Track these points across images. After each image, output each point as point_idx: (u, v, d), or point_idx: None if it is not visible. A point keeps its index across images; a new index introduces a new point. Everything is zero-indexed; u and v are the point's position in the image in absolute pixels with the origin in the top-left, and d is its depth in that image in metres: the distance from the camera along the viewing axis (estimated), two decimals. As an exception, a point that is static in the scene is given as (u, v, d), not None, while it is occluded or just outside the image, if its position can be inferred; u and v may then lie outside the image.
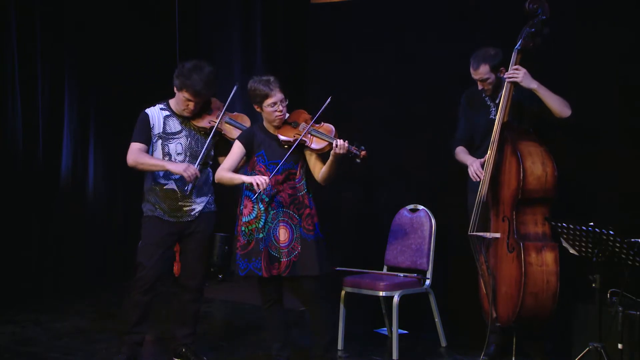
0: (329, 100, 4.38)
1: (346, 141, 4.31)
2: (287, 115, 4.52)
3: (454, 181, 5.19)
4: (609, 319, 4.19)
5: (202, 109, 4.73)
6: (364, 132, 6.02)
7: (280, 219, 4.44)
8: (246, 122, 4.80)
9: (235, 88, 4.81)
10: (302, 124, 4.49)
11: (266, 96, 4.43)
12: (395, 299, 5.06)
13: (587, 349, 4.17)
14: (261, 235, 4.44)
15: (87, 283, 7.13)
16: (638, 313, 4.26)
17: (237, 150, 4.52)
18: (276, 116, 4.45)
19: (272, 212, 4.45)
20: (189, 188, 4.66)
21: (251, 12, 7.94)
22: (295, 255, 4.40)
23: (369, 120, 6.04)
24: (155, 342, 5.45)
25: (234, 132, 4.73)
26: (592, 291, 4.12)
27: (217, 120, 4.69)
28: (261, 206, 4.46)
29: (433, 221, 5.35)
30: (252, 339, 5.60)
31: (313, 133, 4.45)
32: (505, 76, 4.63)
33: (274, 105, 4.43)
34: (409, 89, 5.82)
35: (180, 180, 4.68)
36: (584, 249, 4.11)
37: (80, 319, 6.10)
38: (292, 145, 4.41)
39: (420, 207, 5.45)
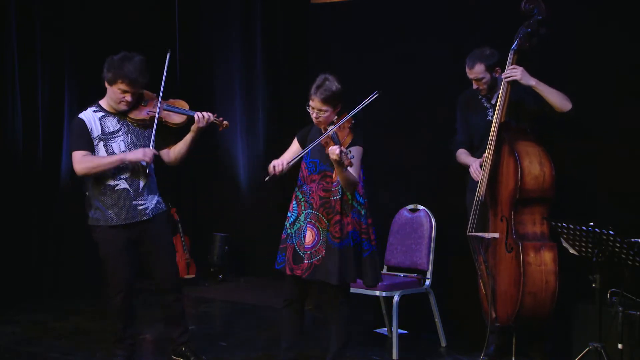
0: (375, 94, 4.30)
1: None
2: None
3: (454, 181, 5.19)
4: (609, 319, 4.19)
5: (137, 102, 4.64)
6: (364, 131, 6.01)
7: (309, 220, 4.39)
8: (184, 105, 4.73)
9: (166, 64, 4.69)
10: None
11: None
12: (395, 299, 5.06)
13: (587, 349, 4.17)
14: (289, 231, 4.47)
15: (87, 283, 7.12)
16: (638, 313, 4.26)
17: (293, 145, 4.54)
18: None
19: (304, 212, 4.42)
20: (145, 166, 4.57)
21: (251, 12, 7.94)
22: (318, 259, 4.33)
23: (369, 120, 6.03)
24: (155, 342, 5.46)
25: (175, 118, 4.68)
26: (592, 291, 4.12)
27: (157, 109, 4.60)
28: (294, 203, 4.47)
29: (433, 221, 5.35)
30: (252, 339, 5.60)
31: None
32: (503, 76, 4.64)
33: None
34: (409, 89, 5.82)
35: (131, 178, 4.60)
36: (584, 249, 4.11)
37: (80, 319, 6.10)
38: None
39: (420, 207, 5.45)
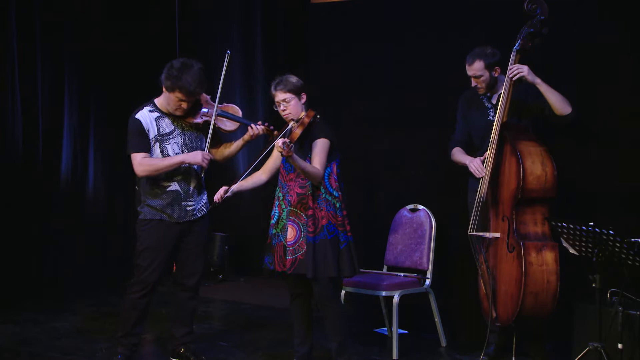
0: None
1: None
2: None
3: (454, 181, 5.19)
4: (609, 319, 4.19)
5: (193, 106, 4.69)
6: (364, 131, 6.02)
7: (289, 217, 4.49)
8: (237, 112, 4.81)
9: (221, 79, 4.72)
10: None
11: None
12: (395, 299, 5.06)
13: (587, 349, 4.17)
14: (274, 231, 4.55)
15: (87, 283, 7.13)
16: (638, 313, 4.26)
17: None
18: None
19: (285, 210, 4.51)
20: (202, 174, 4.70)
21: (251, 13, 7.94)
22: (301, 253, 4.42)
23: (369, 120, 6.04)
24: (155, 342, 5.46)
25: (226, 124, 4.75)
26: (592, 291, 4.13)
27: (213, 116, 4.66)
28: (276, 203, 4.58)
29: (433, 221, 5.35)
30: (252, 338, 5.60)
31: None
32: (509, 74, 4.63)
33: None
34: (409, 89, 5.82)
35: (183, 180, 4.68)
36: (584, 249, 4.11)
37: (80, 319, 6.10)
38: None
39: (420, 207, 5.45)
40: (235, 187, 4.54)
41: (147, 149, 4.61)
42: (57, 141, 7.14)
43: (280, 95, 4.52)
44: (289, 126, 4.46)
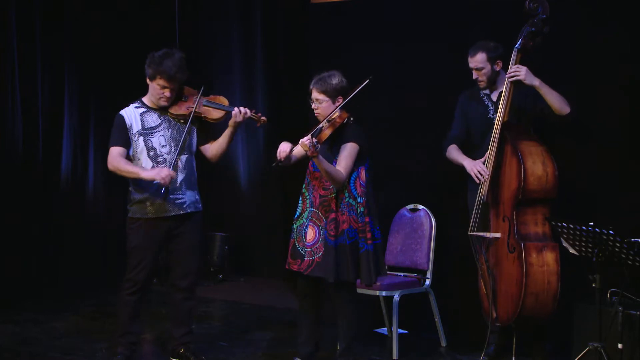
0: (367, 81, 4.38)
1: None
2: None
3: (454, 181, 5.19)
4: (609, 319, 4.19)
5: (177, 97, 4.75)
6: (364, 131, 6.01)
7: (310, 218, 4.48)
8: (224, 102, 4.81)
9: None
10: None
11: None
12: (395, 299, 5.07)
13: (587, 348, 4.17)
14: (292, 226, 4.56)
15: (87, 283, 7.13)
16: (638, 313, 4.26)
17: None
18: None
19: (307, 210, 4.51)
20: (163, 192, 4.61)
21: (251, 13, 7.94)
22: (319, 256, 4.40)
23: (369, 120, 6.03)
24: (155, 342, 5.46)
25: (213, 113, 4.76)
26: (592, 291, 4.12)
27: (195, 105, 4.71)
28: (300, 200, 4.57)
29: (433, 221, 5.35)
30: (252, 338, 5.60)
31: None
32: (507, 75, 4.63)
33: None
34: (409, 89, 5.82)
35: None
36: (584, 249, 4.11)
37: (80, 319, 6.10)
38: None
39: (420, 207, 5.45)
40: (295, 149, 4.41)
41: (125, 144, 4.66)
42: (57, 141, 7.14)
43: (314, 94, 4.48)
44: (321, 125, 4.40)
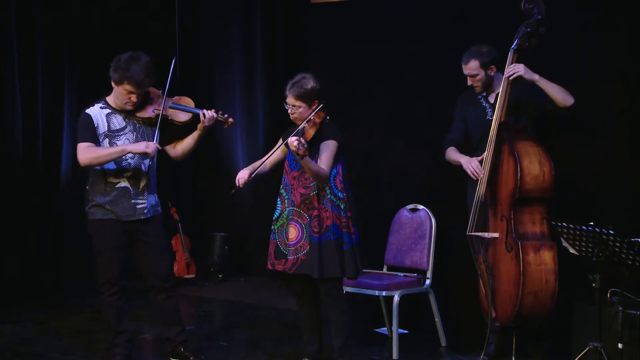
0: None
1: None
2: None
3: (454, 181, 5.19)
4: (609, 318, 4.19)
5: (143, 100, 4.66)
6: (364, 132, 6.02)
7: (292, 217, 4.49)
8: (190, 103, 4.74)
9: (172, 68, 4.67)
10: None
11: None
12: (395, 299, 5.06)
13: (587, 348, 4.17)
14: (272, 227, 4.58)
15: (87, 283, 7.11)
16: (638, 313, 4.25)
17: (277, 145, 4.62)
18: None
19: (287, 209, 4.53)
20: (147, 163, 4.59)
21: (251, 13, 7.94)
22: (303, 254, 4.43)
23: (369, 120, 6.04)
24: (155, 342, 5.45)
25: (180, 116, 4.69)
26: (592, 291, 4.12)
27: (161, 107, 4.63)
28: (278, 201, 4.59)
29: (433, 221, 5.35)
30: (252, 338, 5.60)
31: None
32: (506, 74, 4.63)
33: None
34: (409, 89, 5.82)
35: (133, 177, 4.63)
36: (584, 249, 4.11)
37: (80, 319, 6.10)
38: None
39: (420, 207, 5.45)
40: (257, 171, 4.52)
41: (93, 140, 4.58)
42: (57, 141, 7.14)
43: (291, 100, 4.46)
44: (301, 126, 4.44)
